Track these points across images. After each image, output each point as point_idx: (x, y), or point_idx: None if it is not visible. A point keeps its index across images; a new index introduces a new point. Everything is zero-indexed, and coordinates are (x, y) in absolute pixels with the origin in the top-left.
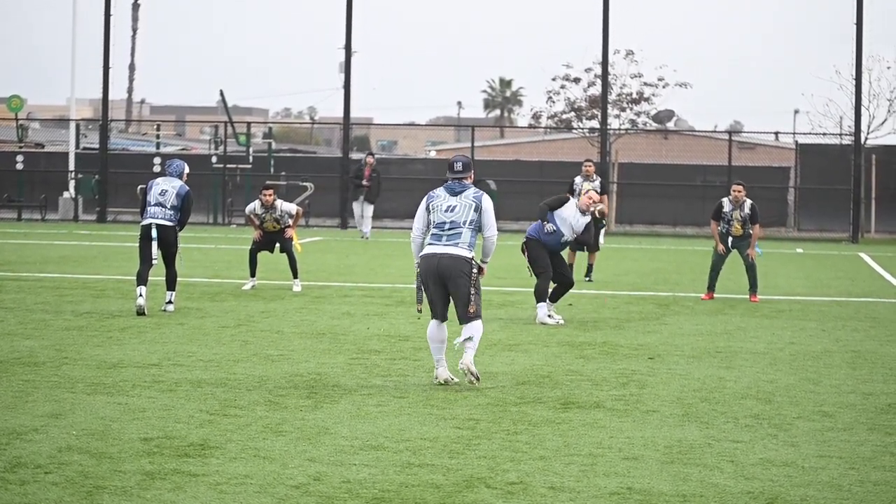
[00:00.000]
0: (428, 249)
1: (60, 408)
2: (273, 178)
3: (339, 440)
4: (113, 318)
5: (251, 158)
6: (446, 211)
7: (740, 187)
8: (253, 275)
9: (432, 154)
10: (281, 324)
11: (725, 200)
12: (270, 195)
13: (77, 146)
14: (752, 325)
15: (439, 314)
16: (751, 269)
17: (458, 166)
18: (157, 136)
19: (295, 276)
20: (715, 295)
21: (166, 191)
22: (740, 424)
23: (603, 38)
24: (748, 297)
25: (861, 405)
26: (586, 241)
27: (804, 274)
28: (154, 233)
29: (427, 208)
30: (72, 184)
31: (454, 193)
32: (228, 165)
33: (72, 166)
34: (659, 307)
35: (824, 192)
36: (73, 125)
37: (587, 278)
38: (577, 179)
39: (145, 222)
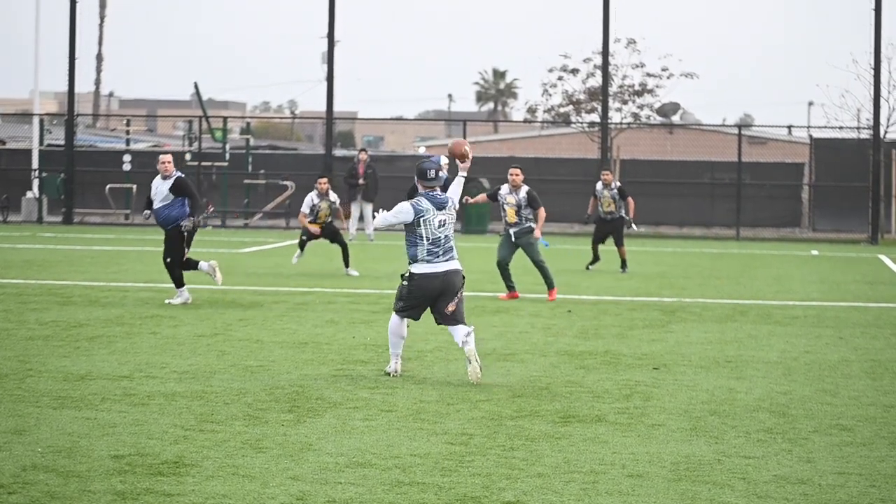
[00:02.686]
0: (427, 268)
1: (24, 423)
2: (251, 176)
3: (324, 457)
4: (80, 326)
5: (228, 156)
6: (439, 227)
7: (517, 171)
8: (301, 248)
9: (422, 150)
10: (260, 332)
11: (505, 185)
12: (326, 183)
13: (41, 142)
14: (765, 332)
15: (415, 316)
16: (539, 266)
17: (433, 174)
18: (127, 132)
19: (347, 265)
20: (520, 294)
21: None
22: (752, 439)
23: (603, 26)
24: (546, 296)
25: (882, 418)
26: (613, 233)
27: (820, 277)
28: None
29: (416, 222)
30: (35, 183)
31: (440, 207)
32: (203, 163)
33: (35, 164)
34: (664, 314)
35: (841, 190)
36: (36, 120)
37: (623, 271)
38: (598, 186)
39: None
